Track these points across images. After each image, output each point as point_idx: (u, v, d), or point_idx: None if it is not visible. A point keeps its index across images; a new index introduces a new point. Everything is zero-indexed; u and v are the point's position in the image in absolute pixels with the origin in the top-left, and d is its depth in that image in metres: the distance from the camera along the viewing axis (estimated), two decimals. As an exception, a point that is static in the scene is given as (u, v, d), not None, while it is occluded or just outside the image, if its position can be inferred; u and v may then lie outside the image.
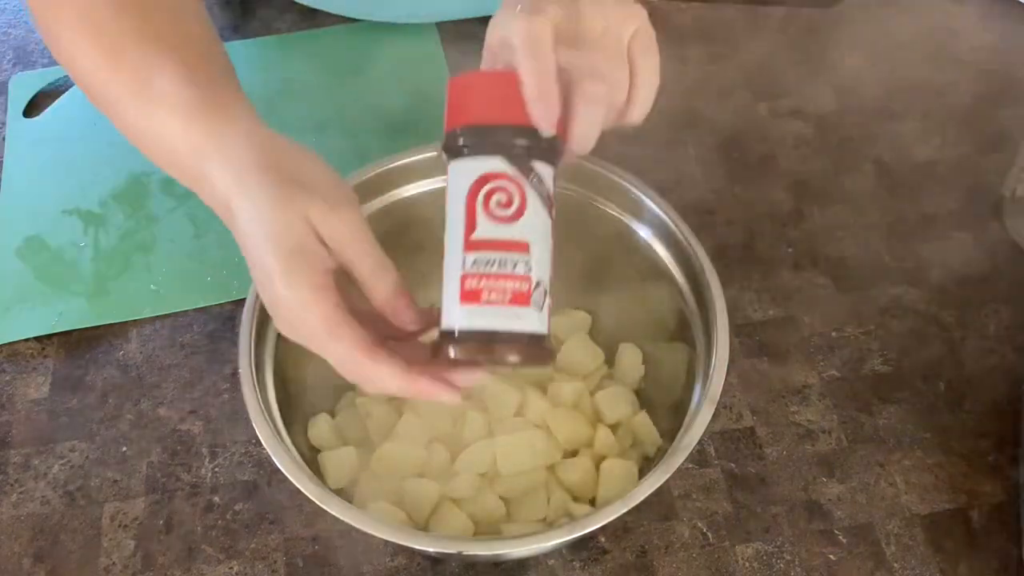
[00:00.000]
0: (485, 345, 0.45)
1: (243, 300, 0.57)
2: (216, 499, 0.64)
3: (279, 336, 0.58)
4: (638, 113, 0.49)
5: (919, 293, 0.73)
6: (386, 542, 0.50)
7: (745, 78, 0.87)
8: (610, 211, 0.63)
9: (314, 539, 0.62)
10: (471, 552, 0.53)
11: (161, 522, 0.63)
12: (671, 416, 0.59)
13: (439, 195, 0.64)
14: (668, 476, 0.50)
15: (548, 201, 0.46)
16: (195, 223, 0.77)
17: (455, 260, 0.46)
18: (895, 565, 0.61)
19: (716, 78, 0.87)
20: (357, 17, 0.91)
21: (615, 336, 0.67)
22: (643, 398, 0.65)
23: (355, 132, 0.83)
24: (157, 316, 0.72)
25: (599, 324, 0.68)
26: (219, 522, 0.63)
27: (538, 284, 0.45)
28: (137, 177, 0.80)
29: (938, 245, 0.76)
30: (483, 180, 0.45)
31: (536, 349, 0.46)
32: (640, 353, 0.66)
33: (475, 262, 0.45)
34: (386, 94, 0.86)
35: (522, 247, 0.45)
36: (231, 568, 0.61)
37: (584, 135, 0.46)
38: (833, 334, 0.71)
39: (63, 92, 0.87)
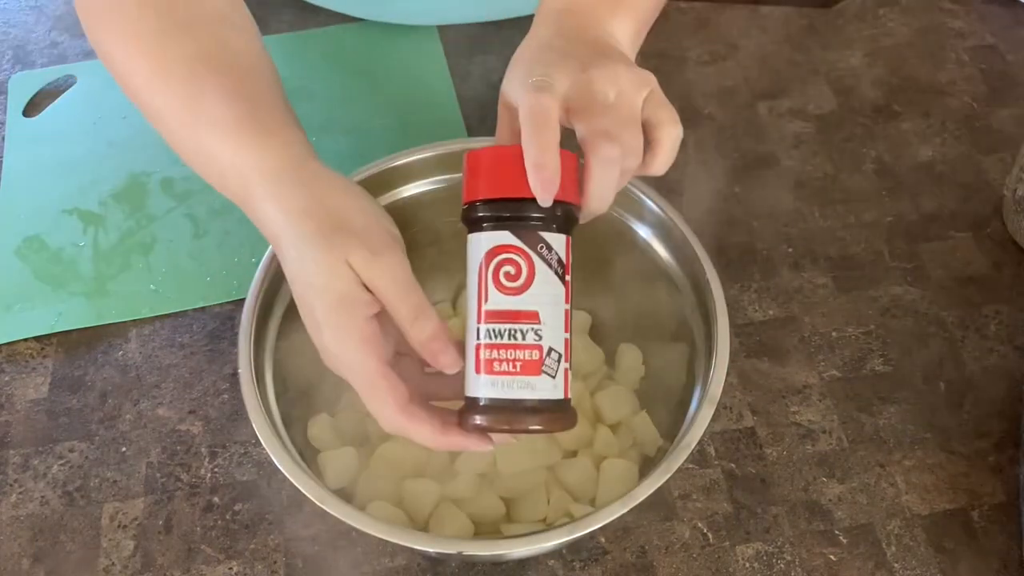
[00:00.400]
0: (503, 415, 0.46)
1: (243, 300, 0.57)
2: (216, 499, 0.64)
3: (279, 336, 0.58)
4: (662, 165, 0.50)
5: (919, 293, 0.73)
6: (386, 542, 0.50)
7: (745, 78, 0.87)
8: (610, 211, 0.63)
9: (314, 539, 0.62)
10: (471, 552, 0.53)
11: (160, 522, 0.63)
12: (671, 416, 0.58)
13: (439, 195, 0.65)
14: (668, 476, 0.50)
15: (560, 267, 0.47)
16: (195, 223, 0.77)
17: (472, 331, 0.47)
18: (895, 565, 0.61)
19: (716, 78, 0.87)
20: (359, 16, 0.91)
21: (615, 336, 0.67)
22: (643, 398, 0.65)
23: (356, 132, 0.83)
24: (157, 316, 0.72)
25: (599, 324, 0.68)
26: (219, 522, 0.63)
27: (550, 351, 0.46)
28: (137, 177, 0.80)
29: (938, 245, 0.76)
30: (493, 253, 0.47)
31: (555, 415, 0.47)
32: (640, 353, 0.66)
33: (487, 332, 0.46)
34: (387, 95, 0.86)
35: (531, 316, 0.46)
36: (231, 568, 0.61)
37: (599, 196, 0.47)
38: (833, 334, 0.71)
39: (63, 92, 0.87)
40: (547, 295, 0.46)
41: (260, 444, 0.52)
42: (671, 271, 0.61)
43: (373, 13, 0.90)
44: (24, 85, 0.87)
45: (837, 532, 0.62)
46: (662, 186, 0.77)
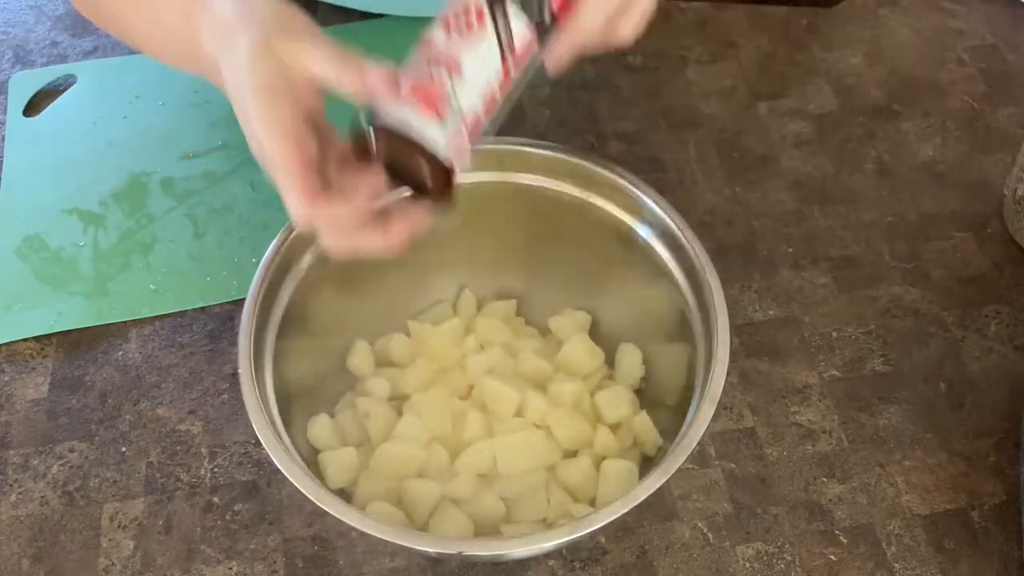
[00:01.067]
0: (392, 141, 0.47)
1: (243, 300, 0.57)
2: (215, 499, 0.64)
3: (279, 336, 0.58)
4: (629, 31, 0.52)
5: (919, 293, 0.73)
6: (386, 542, 0.50)
7: (745, 78, 0.87)
8: (610, 211, 0.63)
9: (314, 539, 0.62)
10: (471, 552, 0.53)
11: (160, 522, 0.63)
12: (671, 416, 0.58)
13: (439, 195, 0.65)
14: (668, 476, 0.50)
15: (507, 44, 0.47)
16: (195, 223, 0.77)
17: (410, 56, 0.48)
18: (896, 565, 0.61)
19: (716, 78, 0.87)
20: (382, 12, 0.91)
21: (615, 336, 0.67)
22: (643, 398, 0.65)
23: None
24: (156, 316, 0.72)
25: (599, 324, 0.68)
26: (218, 522, 0.63)
27: (457, 109, 0.47)
28: (137, 177, 0.80)
29: (938, 245, 0.76)
30: (463, 5, 0.47)
31: (437, 172, 0.48)
32: (640, 353, 0.66)
33: (416, 61, 0.47)
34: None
35: (455, 67, 0.47)
36: (231, 568, 0.61)
37: (590, 18, 0.49)
38: (833, 334, 0.71)
39: (63, 92, 0.87)
40: (480, 57, 0.47)
41: (260, 444, 0.52)
42: (671, 271, 0.61)
43: (397, 8, 0.90)
44: (24, 85, 0.87)
45: (837, 532, 0.62)
46: (662, 186, 0.77)
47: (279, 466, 0.51)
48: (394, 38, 0.89)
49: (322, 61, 0.48)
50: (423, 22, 0.49)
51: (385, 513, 0.58)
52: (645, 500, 0.49)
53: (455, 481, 0.60)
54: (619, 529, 0.62)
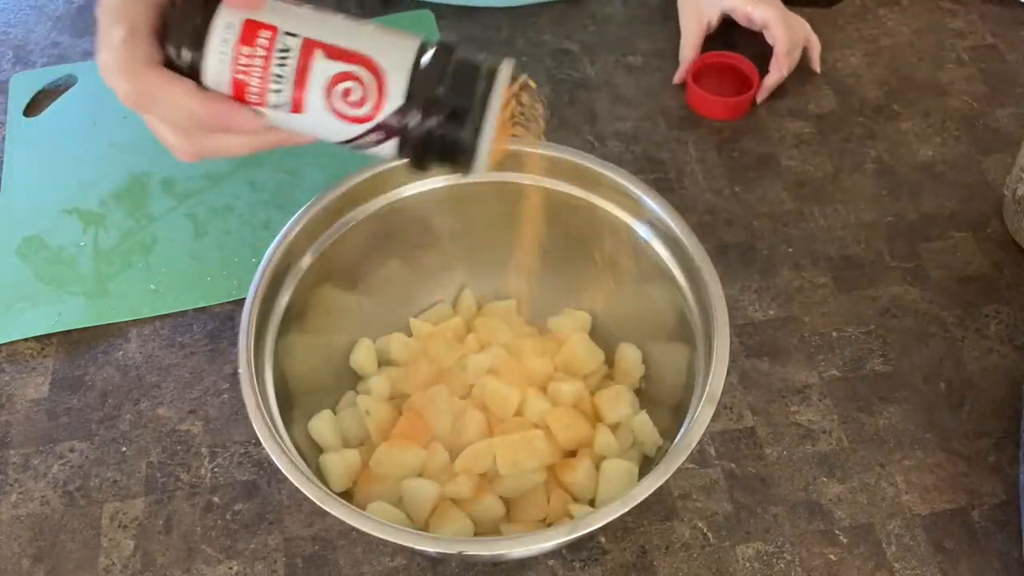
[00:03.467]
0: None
1: (243, 300, 0.57)
2: (216, 499, 0.64)
3: (279, 336, 0.58)
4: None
5: (919, 293, 0.73)
6: (386, 542, 0.50)
7: (745, 78, 0.87)
8: (610, 211, 0.63)
9: (314, 539, 0.62)
10: (471, 552, 0.53)
11: (161, 522, 0.63)
12: (671, 416, 0.59)
13: (439, 195, 0.65)
14: (668, 476, 0.50)
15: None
16: (195, 223, 0.77)
17: None
18: (896, 565, 0.61)
19: (716, 78, 0.87)
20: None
21: (615, 336, 0.67)
22: (643, 398, 0.65)
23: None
24: (157, 316, 0.72)
25: (599, 324, 0.68)
26: (219, 522, 0.63)
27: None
28: (137, 177, 0.80)
29: (938, 245, 0.76)
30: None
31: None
32: (640, 353, 0.66)
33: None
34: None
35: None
36: (231, 568, 0.61)
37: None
38: (833, 334, 0.71)
39: (63, 92, 0.87)
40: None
41: (260, 444, 0.52)
42: (671, 271, 0.61)
43: None
44: (24, 85, 0.87)
45: (837, 532, 0.62)
46: (662, 186, 0.77)
47: (279, 466, 0.51)
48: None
49: None
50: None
51: (385, 513, 0.58)
52: (645, 500, 0.49)
53: (455, 481, 0.60)
54: (619, 529, 0.62)
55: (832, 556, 0.61)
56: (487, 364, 0.64)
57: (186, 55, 0.45)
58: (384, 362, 0.67)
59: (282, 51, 0.44)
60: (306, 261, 0.61)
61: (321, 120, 0.45)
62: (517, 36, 0.91)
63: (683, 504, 0.63)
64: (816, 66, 0.86)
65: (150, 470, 0.65)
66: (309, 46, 0.44)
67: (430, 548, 0.51)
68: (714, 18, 0.85)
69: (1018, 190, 0.74)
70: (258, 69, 0.44)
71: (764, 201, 0.78)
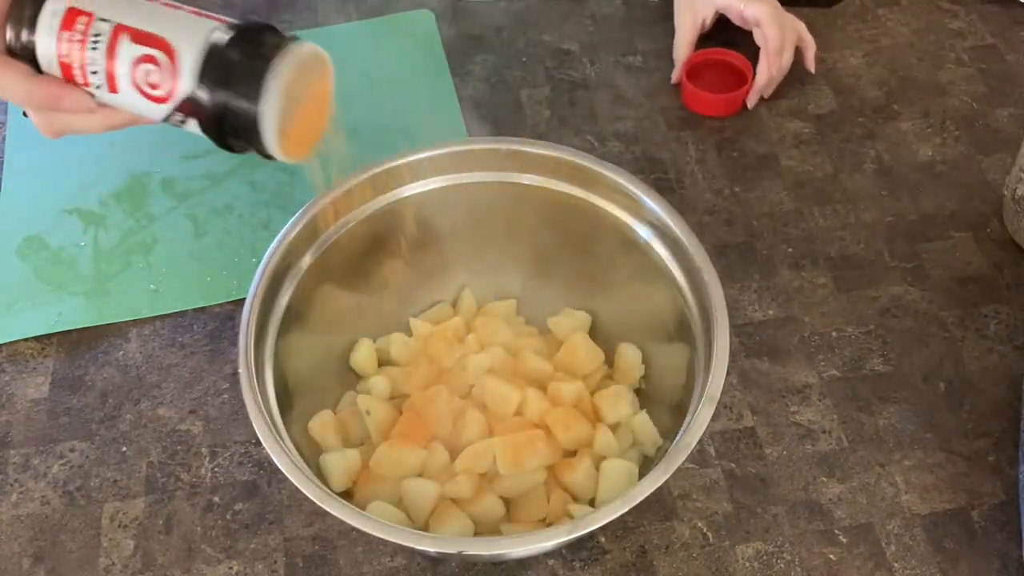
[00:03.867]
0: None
1: (243, 300, 0.57)
2: (216, 499, 0.64)
3: (279, 336, 0.58)
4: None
5: (919, 293, 0.73)
6: (386, 542, 0.50)
7: (745, 78, 0.87)
8: (610, 211, 0.63)
9: (314, 539, 0.62)
10: (471, 552, 0.53)
11: (161, 522, 0.63)
12: (671, 416, 0.59)
13: (439, 195, 0.65)
14: (668, 476, 0.50)
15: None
16: (195, 223, 0.77)
17: None
18: (895, 565, 0.61)
19: (716, 78, 0.87)
20: None
21: (615, 336, 0.67)
22: (643, 398, 0.65)
23: (356, 133, 0.83)
24: (157, 316, 0.72)
25: (599, 324, 0.68)
26: (219, 522, 0.63)
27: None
28: (137, 177, 0.80)
29: (938, 245, 0.76)
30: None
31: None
32: (640, 353, 0.66)
33: None
34: (387, 95, 0.86)
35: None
36: (231, 568, 0.61)
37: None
38: (833, 334, 0.71)
39: (63, 92, 0.87)
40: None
41: (260, 444, 0.52)
42: (671, 271, 0.61)
43: None
44: (24, 85, 0.87)
45: (837, 532, 0.62)
46: (662, 186, 0.77)
47: (279, 466, 0.51)
48: (372, 43, 0.90)
49: None
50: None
51: (385, 513, 0.58)
52: (645, 500, 0.49)
53: (455, 481, 0.60)
54: (619, 529, 0.62)
55: (832, 556, 0.61)
56: (487, 364, 0.64)
57: (21, 40, 0.49)
58: (384, 362, 0.67)
59: (95, 35, 0.48)
60: (306, 261, 0.61)
61: (134, 100, 0.48)
62: (517, 36, 0.91)
63: (683, 504, 0.63)
64: (811, 66, 0.86)
65: (150, 470, 0.65)
66: (118, 30, 0.47)
67: (430, 548, 0.51)
68: (708, 16, 0.85)
69: (1018, 190, 0.74)
70: (77, 52, 0.48)
71: (764, 201, 0.79)
